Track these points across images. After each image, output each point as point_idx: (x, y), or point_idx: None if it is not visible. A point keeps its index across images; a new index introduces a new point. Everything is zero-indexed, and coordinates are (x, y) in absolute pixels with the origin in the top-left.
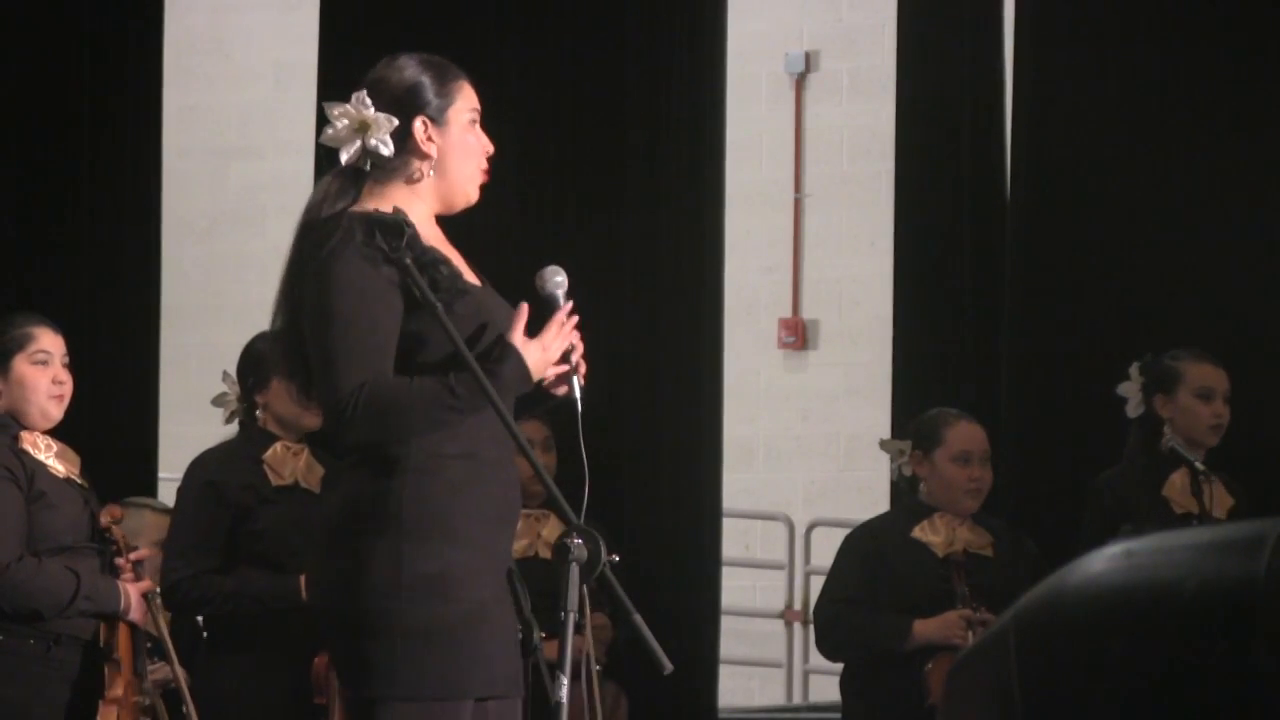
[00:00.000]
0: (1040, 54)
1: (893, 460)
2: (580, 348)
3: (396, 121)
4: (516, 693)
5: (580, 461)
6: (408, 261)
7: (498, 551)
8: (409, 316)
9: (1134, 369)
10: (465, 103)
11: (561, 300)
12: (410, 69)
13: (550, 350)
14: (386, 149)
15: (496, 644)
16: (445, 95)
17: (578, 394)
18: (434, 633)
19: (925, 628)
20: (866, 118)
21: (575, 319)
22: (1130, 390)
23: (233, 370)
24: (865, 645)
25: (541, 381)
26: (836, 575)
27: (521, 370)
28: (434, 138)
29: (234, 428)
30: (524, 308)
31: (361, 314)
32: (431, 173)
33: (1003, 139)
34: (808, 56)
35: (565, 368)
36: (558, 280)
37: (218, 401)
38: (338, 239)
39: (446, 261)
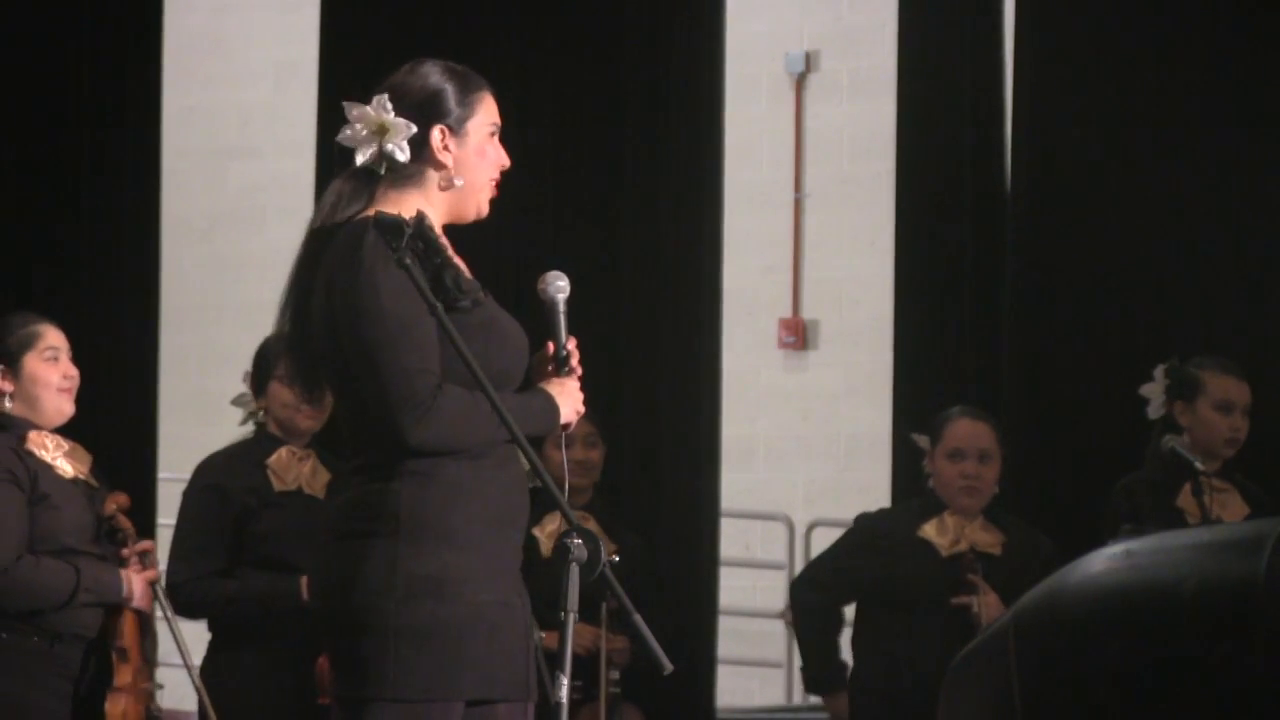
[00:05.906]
0: (1040, 54)
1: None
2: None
3: (415, 128)
4: (522, 697)
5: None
6: (408, 262)
7: (501, 554)
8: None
9: (1159, 371)
10: (486, 115)
11: (562, 306)
12: (434, 76)
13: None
14: (403, 154)
15: (495, 647)
16: (466, 106)
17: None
18: (426, 634)
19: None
20: (866, 118)
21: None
22: (1153, 392)
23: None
24: (803, 652)
25: None
26: (827, 553)
27: (552, 414)
28: (451, 147)
29: (243, 429)
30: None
31: (416, 318)
32: (446, 182)
33: (1003, 139)
34: (808, 56)
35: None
36: (560, 285)
37: (238, 402)
38: (369, 245)
39: (458, 268)
